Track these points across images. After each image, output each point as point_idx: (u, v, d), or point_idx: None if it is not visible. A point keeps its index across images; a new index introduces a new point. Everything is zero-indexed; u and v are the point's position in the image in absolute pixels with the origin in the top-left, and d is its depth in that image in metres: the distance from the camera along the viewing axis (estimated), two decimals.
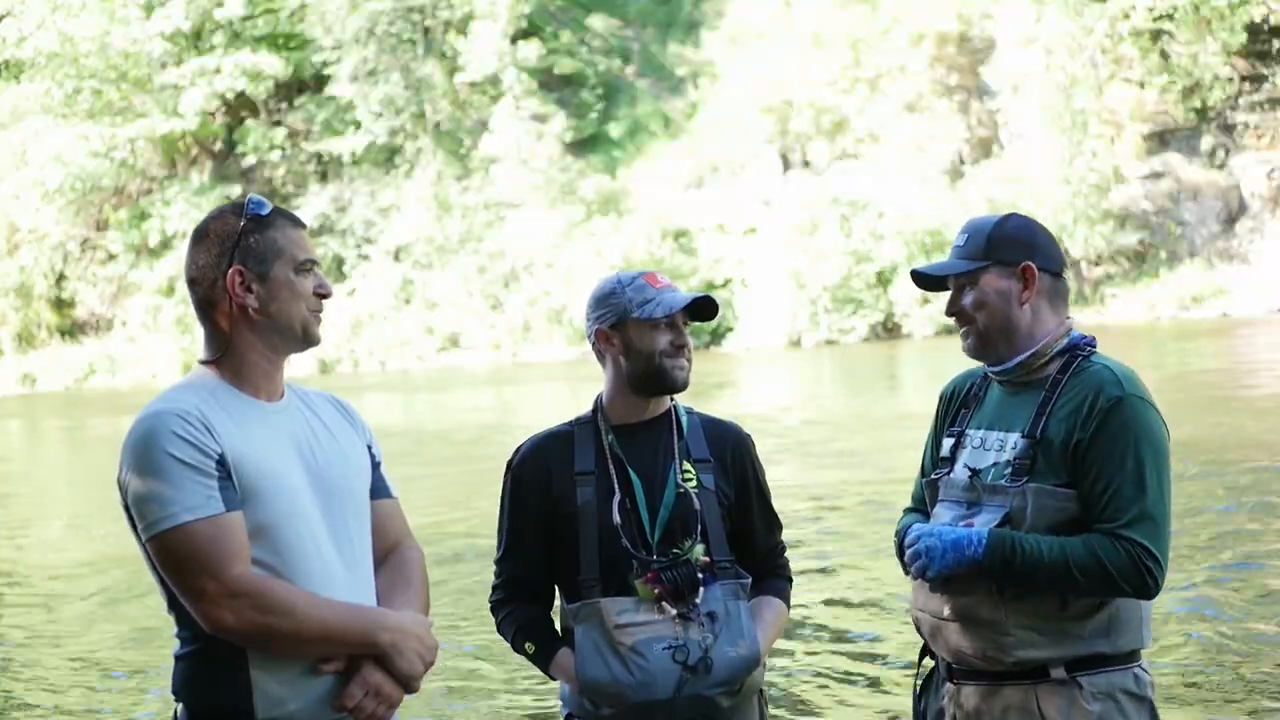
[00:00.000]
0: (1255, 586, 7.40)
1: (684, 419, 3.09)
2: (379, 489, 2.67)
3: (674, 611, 2.91)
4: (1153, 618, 2.80)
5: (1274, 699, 5.52)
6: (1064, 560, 2.62)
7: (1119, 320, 34.23)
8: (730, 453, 3.09)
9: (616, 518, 2.96)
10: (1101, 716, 2.68)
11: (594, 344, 3.09)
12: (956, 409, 2.97)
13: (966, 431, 2.89)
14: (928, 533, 2.73)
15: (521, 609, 3.09)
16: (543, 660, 3.03)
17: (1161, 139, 37.02)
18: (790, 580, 3.19)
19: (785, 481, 12.52)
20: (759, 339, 36.53)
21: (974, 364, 2.98)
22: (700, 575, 2.94)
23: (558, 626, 3.09)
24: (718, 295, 37.92)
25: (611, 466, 3.02)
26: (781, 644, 6.79)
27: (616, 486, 2.99)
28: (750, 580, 3.05)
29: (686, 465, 3.02)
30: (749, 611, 2.99)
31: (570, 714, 3.04)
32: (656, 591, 2.92)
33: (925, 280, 2.96)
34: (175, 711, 2.47)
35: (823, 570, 8.58)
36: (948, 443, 2.92)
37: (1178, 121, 36.73)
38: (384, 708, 2.44)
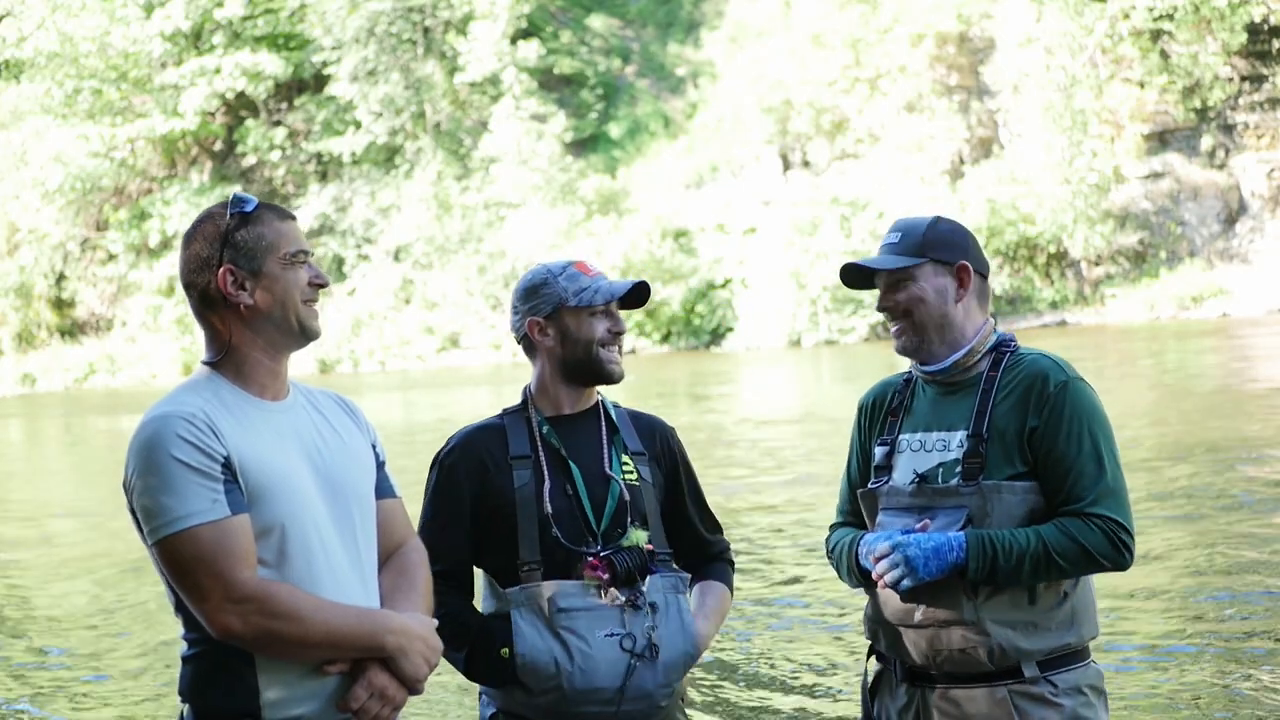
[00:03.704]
0: (1258, 584, 7.40)
1: (613, 412, 3.10)
2: (383, 488, 2.67)
3: (621, 598, 2.88)
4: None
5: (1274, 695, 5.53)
6: (1043, 548, 2.66)
7: (1119, 320, 34.24)
8: (659, 445, 3.11)
9: (557, 504, 2.94)
10: (1073, 710, 2.73)
11: (523, 336, 3.07)
12: (883, 417, 2.97)
13: (900, 437, 2.89)
14: (904, 542, 2.69)
15: (460, 605, 3.00)
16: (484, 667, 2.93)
17: (1161, 139, 37.03)
18: (733, 565, 3.20)
19: (784, 480, 12.53)
20: (759, 339, 36.53)
21: (886, 373, 2.96)
22: (649, 563, 2.94)
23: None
24: (718, 295, 37.61)
25: (545, 453, 3.00)
26: (748, 645, 6.81)
27: (554, 473, 2.98)
28: (689, 577, 3.06)
29: (625, 458, 3.03)
30: (688, 609, 2.99)
31: (495, 712, 2.98)
32: (605, 578, 2.88)
33: (856, 278, 2.95)
34: (181, 713, 2.47)
35: (800, 575, 8.57)
36: (881, 451, 2.92)
37: (1178, 121, 36.74)
38: (388, 709, 2.43)
